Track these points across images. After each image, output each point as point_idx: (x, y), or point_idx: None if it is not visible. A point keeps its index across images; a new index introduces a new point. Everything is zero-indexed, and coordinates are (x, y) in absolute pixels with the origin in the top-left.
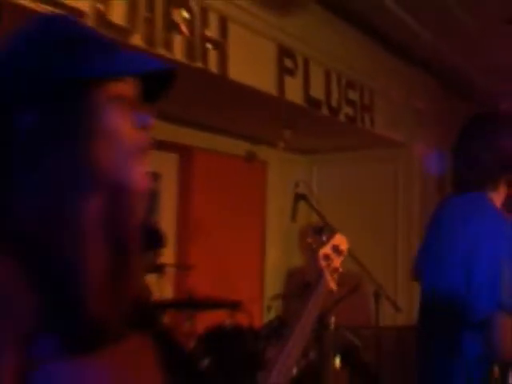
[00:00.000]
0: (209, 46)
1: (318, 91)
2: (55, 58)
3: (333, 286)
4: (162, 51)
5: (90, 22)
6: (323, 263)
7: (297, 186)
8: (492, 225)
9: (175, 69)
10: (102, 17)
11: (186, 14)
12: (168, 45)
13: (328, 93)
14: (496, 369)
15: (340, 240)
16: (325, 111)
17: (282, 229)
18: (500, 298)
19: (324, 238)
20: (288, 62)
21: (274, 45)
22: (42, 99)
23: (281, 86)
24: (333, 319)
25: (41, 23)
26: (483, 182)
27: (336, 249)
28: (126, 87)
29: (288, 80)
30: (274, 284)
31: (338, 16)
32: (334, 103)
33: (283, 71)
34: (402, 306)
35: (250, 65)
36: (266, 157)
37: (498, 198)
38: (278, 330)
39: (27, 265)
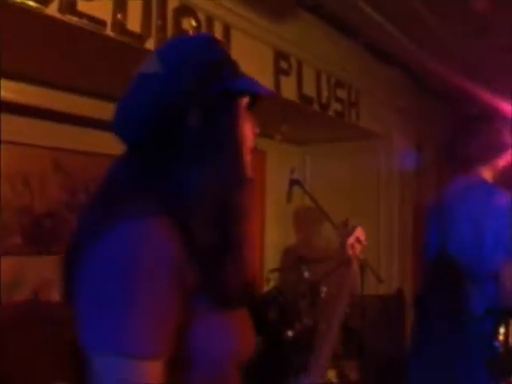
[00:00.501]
0: None
1: (309, 89)
2: (221, 72)
3: (356, 269)
4: None
5: (109, 29)
6: (350, 252)
7: (292, 172)
8: (493, 197)
9: (273, 93)
10: (120, 25)
11: (193, 23)
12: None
13: (319, 91)
14: (502, 322)
15: (360, 232)
16: (316, 107)
17: (279, 211)
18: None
19: (349, 230)
20: (283, 64)
21: (270, 49)
22: (207, 103)
23: (277, 85)
24: (324, 289)
25: (204, 42)
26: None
27: (358, 239)
28: (246, 101)
29: (283, 80)
30: (272, 259)
31: (328, 24)
32: (324, 100)
33: (279, 72)
34: (383, 277)
35: (249, 66)
36: (265, 147)
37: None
38: (276, 297)
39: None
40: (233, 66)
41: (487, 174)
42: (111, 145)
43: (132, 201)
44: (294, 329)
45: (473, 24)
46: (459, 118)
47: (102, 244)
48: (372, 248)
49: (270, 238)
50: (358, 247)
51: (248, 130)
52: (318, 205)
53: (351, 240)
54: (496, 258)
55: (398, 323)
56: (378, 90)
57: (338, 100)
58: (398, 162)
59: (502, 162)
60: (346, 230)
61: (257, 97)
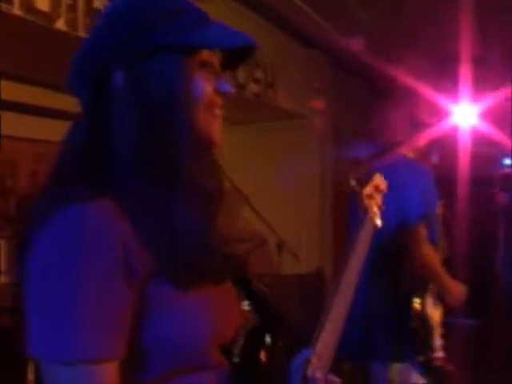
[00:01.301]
0: None
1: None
2: (161, 24)
3: (377, 221)
4: (83, 35)
5: (16, 7)
6: (367, 202)
7: None
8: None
9: (255, 44)
10: (28, 3)
11: (106, 1)
12: (90, 29)
13: (235, 72)
14: (416, 296)
15: (379, 180)
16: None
17: None
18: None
19: (365, 179)
20: None
21: None
22: (141, 59)
23: None
24: None
25: None
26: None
27: (377, 188)
28: (213, 56)
29: None
30: None
31: (246, 5)
32: (241, 80)
33: None
34: (303, 256)
35: None
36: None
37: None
38: None
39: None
40: (195, 16)
41: (405, 150)
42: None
43: (71, 184)
44: None
45: (388, 6)
46: (374, 97)
47: (40, 233)
48: (292, 227)
49: None
50: (377, 197)
51: (206, 88)
52: (234, 185)
53: (368, 189)
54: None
55: (318, 302)
56: (295, 70)
57: (255, 81)
58: (317, 140)
59: (419, 138)
60: (360, 181)
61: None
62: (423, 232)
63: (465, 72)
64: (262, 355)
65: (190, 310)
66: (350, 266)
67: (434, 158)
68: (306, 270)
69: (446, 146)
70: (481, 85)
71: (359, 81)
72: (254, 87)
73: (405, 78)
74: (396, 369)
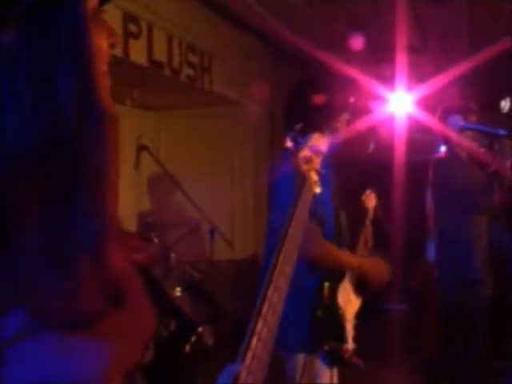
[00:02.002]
0: None
1: (160, 54)
2: None
3: (316, 188)
4: None
5: None
6: (304, 166)
7: (139, 138)
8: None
9: None
10: None
11: None
12: None
13: (170, 55)
14: (326, 284)
15: (317, 139)
16: (167, 72)
17: (131, 178)
18: None
19: (301, 140)
20: (132, 27)
21: (119, 11)
22: (25, 14)
23: (126, 48)
24: (173, 255)
25: None
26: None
27: (315, 149)
28: (95, 2)
29: (132, 43)
30: (129, 226)
31: None
32: (175, 65)
33: (128, 35)
34: (238, 243)
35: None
36: (116, 114)
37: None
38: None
39: None
40: None
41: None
42: None
43: None
44: None
45: None
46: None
47: None
48: (226, 214)
49: (124, 205)
50: (316, 160)
51: (101, 41)
52: (166, 171)
53: (305, 152)
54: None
55: (252, 288)
56: (231, 55)
57: (190, 65)
58: (252, 128)
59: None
60: (296, 140)
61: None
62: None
63: (401, 60)
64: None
65: (76, 346)
66: (285, 251)
67: (371, 147)
68: (241, 257)
69: (382, 133)
70: (417, 73)
71: (297, 68)
72: (188, 71)
73: (342, 65)
74: (301, 359)
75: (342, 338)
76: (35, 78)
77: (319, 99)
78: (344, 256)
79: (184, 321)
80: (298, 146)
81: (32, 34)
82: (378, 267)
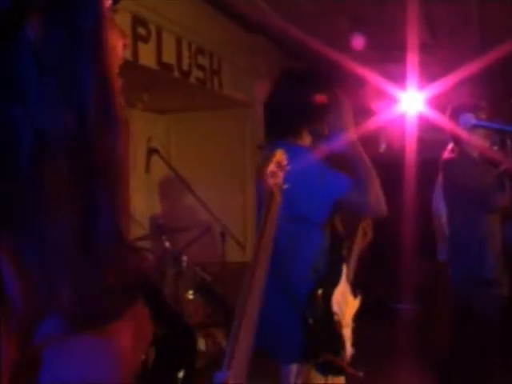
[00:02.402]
0: None
1: (170, 57)
2: None
3: (279, 200)
4: None
5: None
6: (271, 181)
7: (149, 141)
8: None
9: None
10: None
11: None
12: None
13: (179, 58)
14: (320, 291)
15: (280, 156)
16: (177, 74)
17: (143, 181)
18: None
19: (268, 156)
20: (141, 30)
21: (128, 14)
22: (49, 6)
23: (135, 52)
24: (185, 258)
25: None
26: (287, 131)
27: (279, 165)
28: (110, 2)
29: (142, 46)
30: (139, 228)
31: None
32: (185, 67)
33: (137, 38)
34: (249, 245)
35: None
36: (127, 117)
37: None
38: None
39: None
40: None
41: (305, 138)
42: None
43: None
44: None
45: None
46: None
47: None
48: (237, 216)
49: (136, 209)
50: (280, 175)
51: (117, 41)
52: (177, 174)
53: (271, 167)
54: (317, 212)
55: None
56: (240, 57)
57: (200, 67)
58: (262, 131)
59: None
60: (263, 156)
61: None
62: None
63: (412, 59)
64: None
65: (92, 350)
66: (259, 262)
67: (383, 146)
68: (251, 259)
69: (393, 132)
70: (428, 72)
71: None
72: (198, 74)
73: (352, 64)
74: (294, 369)
75: (337, 348)
76: (58, 67)
77: (321, 99)
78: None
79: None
80: (264, 160)
81: (55, 25)
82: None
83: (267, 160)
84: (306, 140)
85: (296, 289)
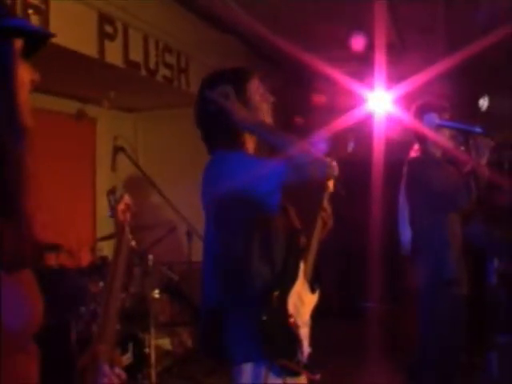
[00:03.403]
0: (30, 11)
1: (136, 55)
2: None
3: (131, 241)
4: None
5: None
6: (122, 217)
7: (116, 140)
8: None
9: (50, 34)
10: None
11: None
12: None
13: (146, 56)
14: (276, 293)
15: (127, 199)
16: (144, 72)
17: (110, 179)
18: None
19: (118, 197)
20: (108, 28)
21: (94, 12)
22: None
23: (101, 50)
24: (151, 257)
25: None
26: (228, 139)
27: (127, 206)
28: (20, 44)
29: (108, 44)
30: (105, 228)
31: None
32: (152, 66)
33: (104, 36)
34: None
35: (71, 30)
36: (95, 114)
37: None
38: (101, 267)
39: None
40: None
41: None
42: None
43: None
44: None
45: None
46: (290, 84)
47: None
48: (199, 214)
49: (102, 207)
50: (128, 213)
51: (25, 76)
52: (143, 172)
53: (121, 206)
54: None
55: None
56: (208, 56)
57: (167, 66)
58: None
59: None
60: (114, 197)
61: (35, 46)
62: None
63: (379, 59)
64: None
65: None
66: (112, 292)
67: (351, 146)
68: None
69: (361, 132)
70: (395, 72)
71: (275, 67)
72: (165, 72)
73: (321, 64)
74: (248, 369)
75: (293, 351)
76: None
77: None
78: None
79: None
80: (116, 201)
81: None
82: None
83: (118, 201)
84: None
85: (248, 290)
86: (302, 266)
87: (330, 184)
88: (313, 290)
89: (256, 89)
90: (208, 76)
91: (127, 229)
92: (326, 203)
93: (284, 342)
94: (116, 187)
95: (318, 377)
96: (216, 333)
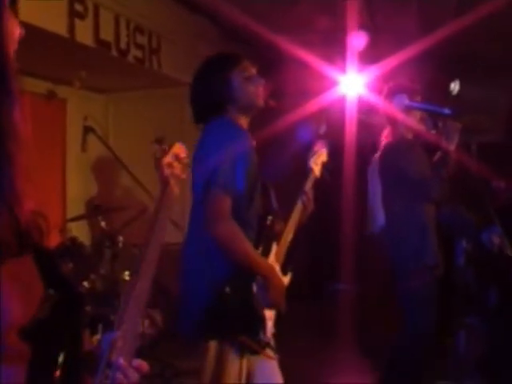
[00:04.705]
0: None
1: (107, 34)
2: None
3: (176, 191)
4: None
5: None
6: (167, 171)
7: (85, 120)
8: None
9: None
10: None
11: None
12: None
13: (117, 36)
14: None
15: (179, 148)
16: (114, 53)
17: (80, 160)
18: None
19: (165, 147)
20: (78, 7)
21: None
22: None
23: (71, 28)
24: (121, 239)
25: None
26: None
27: (177, 157)
28: None
29: (78, 23)
30: (76, 209)
31: None
32: (123, 46)
33: (74, 15)
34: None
35: (40, 8)
36: (65, 95)
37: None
38: (70, 248)
39: None
40: None
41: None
42: None
43: None
44: (89, 280)
45: None
46: (263, 67)
47: None
48: (177, 198)
49: (72, 188)
50: (177, 166)
51: (14, 29)
52: (114, 153)
53: (168, 159)
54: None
55: None
56: (180, 37)
57: (138, 46)
58: None
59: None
60: (161, 147)
61: None
62: (223, 204)
63: (351, 42)
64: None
65: None
66: (152, 244)
67: (323, 128)
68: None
69: (333, 115)
70: (368, 55)
71: (247, 50)
72: (136, 52)
73: (292, 47)
74: (212, 346)
75: (256, 328)
76: None
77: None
78: (254, 252)
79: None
80: (161, 152)
81: None
82: (281, 288)
83: (164, 152)
84: (236, 116)
85: (215, 270)
86: (274, 247)
87: (316, 169)
88: (284, 272)
89: (243, 74)
90: (203, 64)
91: (173, 186)
92: (308, 187)
93: (245, 320)
94: (164, 137)
95: (275, 358)
96: (187, 312)
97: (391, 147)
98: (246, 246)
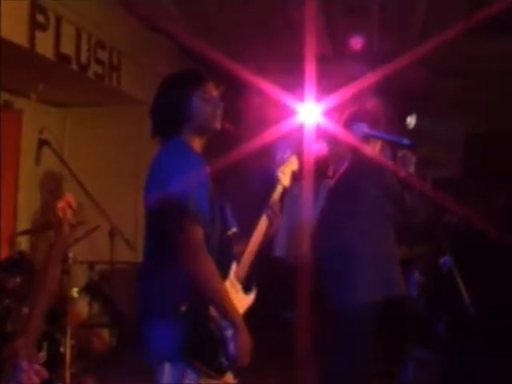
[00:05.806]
0: None
1: (68, 48)
2: None
3: (68, 232)
4: None
5: None
6: (60, 215)
7: (41, 133)
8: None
9: None
10: None
11: None
12: None
13: (78, 50)
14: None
15: (70, 197)
16: (74, 67)
17: (34, 172)
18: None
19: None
20: (40, 18)
21: (26, 0)
22: None
23: (32, 40)
24: (71, 255)
25: None
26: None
27: (69, 204)
28: None
29: (39, 35)
30: (27, 222)
31: None
32: (83, 60)
33: (35, 26)
34: (140, 245)
35: (0, 16)
36: (22, 106)
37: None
38: (19, 262)
39: None
40: None
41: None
42: None
43: None
44: None
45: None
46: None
47: None
48: (129, 215)
49: (23, 201)
50: (69, 212)
51: None
52: (68, 168)
53: (61, 204)
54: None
55: None
56: (141, 55)
57: (99, 62)
58: None
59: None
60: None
61: None
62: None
63: (310, 70)
64: None
65: None
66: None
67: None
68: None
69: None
70: (326, 84)
71: (207, 70)
72: (97, 68)
73: (251, 74)
74: (167, 368)
75: (211, 353)
76: None
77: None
78: (227, 295)
79: None
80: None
81: None
82: (247, 345)
83: (59, 197)
84: (191, 137)
85: (171, 291)
86: (233, 267)
87: (284, 179)
88: (247, 291)
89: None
90: (166, 79)
91: (65, 228)
92: (274, 199)
93: (200, 343)
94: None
95: (234, 381)
96: (145, 333)
97: (348, 172)
98: (220, 287)
